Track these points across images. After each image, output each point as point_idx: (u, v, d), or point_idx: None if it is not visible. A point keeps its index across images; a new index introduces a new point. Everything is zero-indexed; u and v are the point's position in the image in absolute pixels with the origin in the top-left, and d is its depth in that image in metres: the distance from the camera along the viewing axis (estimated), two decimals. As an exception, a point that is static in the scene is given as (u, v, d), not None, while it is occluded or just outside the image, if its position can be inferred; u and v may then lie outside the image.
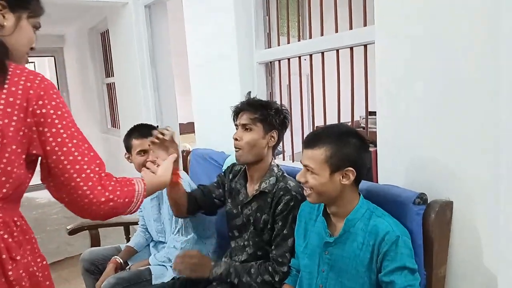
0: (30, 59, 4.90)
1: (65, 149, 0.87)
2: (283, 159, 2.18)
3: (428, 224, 1.23)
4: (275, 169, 1.59)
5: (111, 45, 3.95)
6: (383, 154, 1.47)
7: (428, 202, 1.25)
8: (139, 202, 0.99)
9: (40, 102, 0.87)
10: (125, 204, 0.94)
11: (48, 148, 0.87)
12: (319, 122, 2.08)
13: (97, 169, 0.91)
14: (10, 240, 0.88)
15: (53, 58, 5.88)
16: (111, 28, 3.85)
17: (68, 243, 3.67)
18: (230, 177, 1.73)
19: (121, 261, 2.00)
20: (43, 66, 6.97)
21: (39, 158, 0.91)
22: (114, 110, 4.45)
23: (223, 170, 1.82)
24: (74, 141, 0.89)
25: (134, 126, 2.00)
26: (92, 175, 0.89)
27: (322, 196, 1.26)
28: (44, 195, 5.54)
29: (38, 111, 0.86)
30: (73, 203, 0.89)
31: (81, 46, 4.94)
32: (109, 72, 4.37)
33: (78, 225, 2.29)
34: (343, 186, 1.23)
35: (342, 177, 1.22)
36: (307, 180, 1.25)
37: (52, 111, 0.88)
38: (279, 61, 2.13)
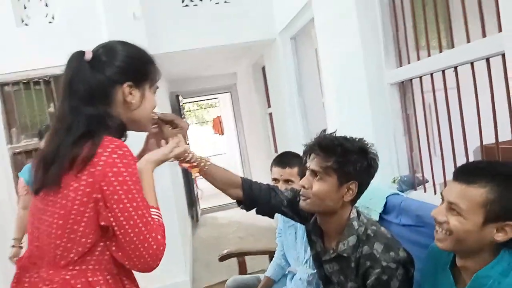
0: (214, 96, 5.73)
1: (131, 222, 0.94)
2: (424, 191, 1.89)
3: None
4: (355, 223, 1.28)
5: (267, 78, 4.24)
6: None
7: None
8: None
9: (107, 179, 0.93)
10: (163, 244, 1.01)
11: (117, 222, 0.95)
12: (471, 145, 1.74)
13: (154, 235, 0.97)
14: None
15: (229, 93, 6.67)
16: (267, 63, 4.14)
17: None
18: (306, 213, 1.43)
19: (260, 294, 2.07)
20: (225, 101, 7.96)
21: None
22: (275, 138, 4.72)
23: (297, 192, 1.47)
24: (139, 212, 0.95)
25: (280, 153, 2.06)
26: (152, 242, 0.96)
27: (459, 246, 1.01)
28: (225, 215, 6.25)
29: (105, 188, 0.93)
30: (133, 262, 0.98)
31: (248, 81, 5.47)
32: (270, 103, 4.69)
33: (227, 252, 2.51)
34: (492, 242, 0.97)
35: (496, 230, 0.95)
36: (447, 220, 1.01)
37: (118, 188, 0.93)
38: (411, 80, 1.89)
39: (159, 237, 0.99)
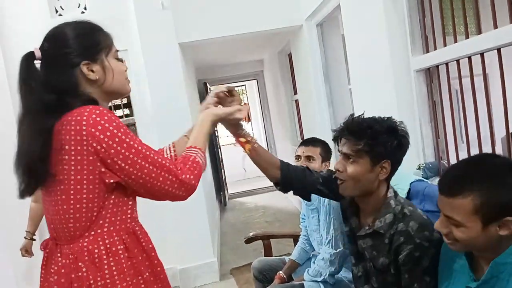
0: (241, 83, 5.83)
1: (137, 166, 0.99)
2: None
3: None
4: (393, 202, 1.32)
5: (294, 65, 4.24)
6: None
7: None
8: (205, 161, 1.14)
9: (96, 138, 0.96)
10: (200, 171, 1.09)
11: (124, 173, 1.00)
12: (499, 132, 1.72)
13: (168, 165, 1.04)
14: (84, 269, 1.00)
15: (256, 81, 6.71)
16: (293, 50, 4.14)
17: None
18: None
19: (285, 276, 2.13)
20: (252, 88, 7.99)
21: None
22: (301, 125, 4.74)
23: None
24: (141, 155, 1.00)
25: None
26: (166, 175, 1.02)
27: (470, 248, 1.05)
28: (252, 200, 6.36)
29: (99, 147, 0.97)
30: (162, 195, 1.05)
31: (274, 69, 5.48)
32: (296, 90, 4.70)
33: (253, 235, 2.58)
34: (501, 236, 0.98)
35: (499, 227, 0.96)
36: (450, 231, 1.03)
37: (110, 142, 0.97)
38: (438, 66, 1.87)
39: (177, 168, 1.04)
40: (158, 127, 3.28)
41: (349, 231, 1.49)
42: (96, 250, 1.02)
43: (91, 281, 1.00)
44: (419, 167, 1.97)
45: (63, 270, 1.03)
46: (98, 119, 0.97)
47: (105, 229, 1.04)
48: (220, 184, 6.10)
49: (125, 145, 0.99)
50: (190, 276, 3.39)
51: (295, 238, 2.54)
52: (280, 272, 2.15)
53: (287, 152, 5.40)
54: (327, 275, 1.87)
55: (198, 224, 3.36)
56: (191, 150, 1.13)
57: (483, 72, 1.56)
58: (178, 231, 3.31)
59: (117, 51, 1.14)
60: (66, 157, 0.98)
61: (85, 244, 1.03)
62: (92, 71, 1.06)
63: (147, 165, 1.01)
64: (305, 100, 4.02)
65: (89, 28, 1.10)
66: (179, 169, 1.05)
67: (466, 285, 1.09)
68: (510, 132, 1.49)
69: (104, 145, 0.97)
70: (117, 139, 0.98)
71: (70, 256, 1.03)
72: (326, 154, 2.03)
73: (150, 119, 3.31)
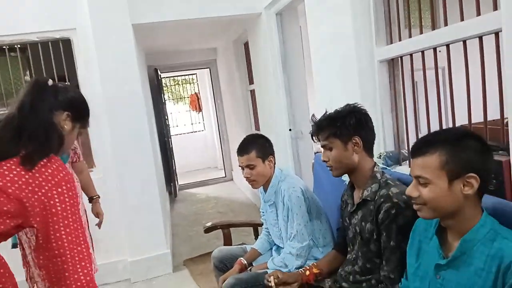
0: (192, 72, 5.76)
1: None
2: (409, 166, 1.96)
3: None
4: (378, 175, 1.50)
5: (251, 54, 4.20)
6: (520, 164, 1.19)
7: None
8: None
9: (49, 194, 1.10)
10: None
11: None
12: (459, 122, 1.80)
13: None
14: None
15: (208, 69, 6.58)
16: (250, 39, 4.09)
17: (218, 238, 4.04)
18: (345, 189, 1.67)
19: (246, 262, 2.11)
20: (203, 77, 7.85)
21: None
22: (256, 115, 4.72)
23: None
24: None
25: (241, 141, 2.09)
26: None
27: (438, 211, 1.10)
28: (203, 191, 6.27)
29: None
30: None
31: (228, 57, 5.40)
32: (252, 80, 4.66)
33: (212, 224, 2.53)
34: (465, 197, 1.05)
35: (464, 185, 1.04)
36: (420, 193, 1.10)
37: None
38: (401, 57, 1.92)
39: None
40: (109, 114, 3.09)
41: (348, 215, 1.60)
42: None
43: None
44: (380, 155, 2.02)
45: None
46: (59, 182, 1.12)
47: None
48: (170, 175, 5.94)
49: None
50: (142, 268, 3.27)
51: (255, 227, 2.52)
52: (241, 258, 2.12)
53: (239, 141, 5.37)
54: (293, 268, 1.87)
55: (150, 215, 3.23)
56: None
57: (448, 64, 1.61)
58: (129, 222, 3.17)
59: (81, 135, 1.40)
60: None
61: None
62: (65, 122, 1.26)
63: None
64: (262, 90, 4.00)
65: (86, 104, 1.37)
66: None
67: (436, 263, 1.13)
68: (472, 123, 1.56)
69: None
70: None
71: None
72: (263, 152, 1.99)
73: (100, 105, 3.10)
